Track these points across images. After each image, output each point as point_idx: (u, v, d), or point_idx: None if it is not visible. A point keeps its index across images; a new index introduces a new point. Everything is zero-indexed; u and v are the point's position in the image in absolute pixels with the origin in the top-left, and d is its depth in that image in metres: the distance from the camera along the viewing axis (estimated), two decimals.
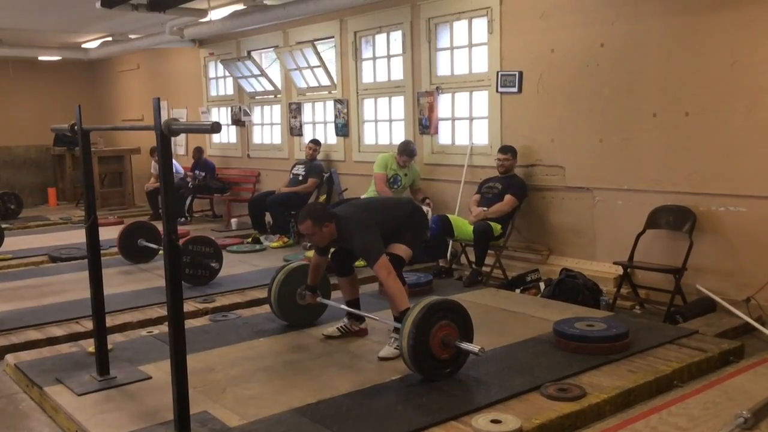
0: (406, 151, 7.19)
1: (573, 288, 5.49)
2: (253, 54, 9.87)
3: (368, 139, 8.43)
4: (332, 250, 4.62)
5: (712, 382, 3.77)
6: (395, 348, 4.15)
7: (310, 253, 6.76)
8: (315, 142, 8.61)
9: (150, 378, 3.95)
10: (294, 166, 8.73)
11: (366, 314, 4.56)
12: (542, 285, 5.91)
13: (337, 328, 4.67)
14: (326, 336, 4.64)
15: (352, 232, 4.28)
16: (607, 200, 6.05)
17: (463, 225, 6.43)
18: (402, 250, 4.44)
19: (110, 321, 4.64)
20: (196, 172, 10.34)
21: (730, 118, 5.20)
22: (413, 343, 3.68)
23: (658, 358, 4.05)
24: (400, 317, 3.98)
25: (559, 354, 4.15)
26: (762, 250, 5.10)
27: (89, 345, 4.37)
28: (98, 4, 6.83)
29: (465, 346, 3.78)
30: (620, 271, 5.67)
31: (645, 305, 5.58)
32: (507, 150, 6.43)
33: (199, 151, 10.43)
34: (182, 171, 10.58)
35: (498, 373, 3.88)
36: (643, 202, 5.72)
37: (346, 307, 4.62)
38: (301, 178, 8.42)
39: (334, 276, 4.79)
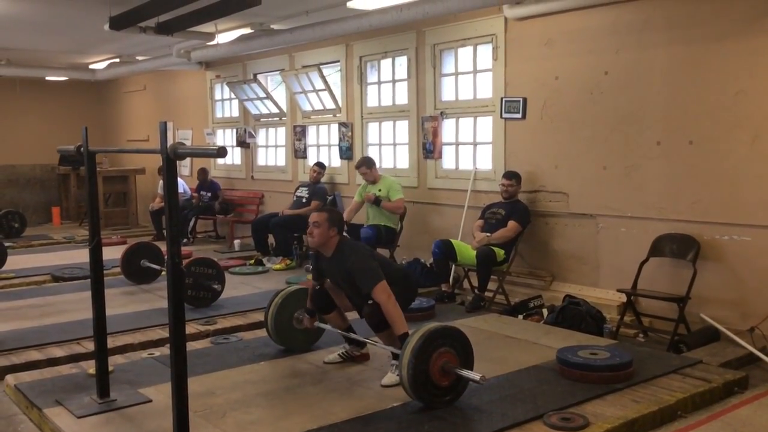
0: (360, 162, 7.51)
1: (576, 315, 5.47)
2: (259, 77, 9.94)
3: None
4: (315, 287, 4.59)
5: (716, 413, 3.75)
6: (397, 375, 4.11)
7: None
8: (319, 165, 8.63)
9: (150, 401, 3.93)
10: (298, 188, 8.75)
11: (365, 339, 4.49)
12: (545, 311, 5.88)
13: (338, 354, 4.64)
14: (327, 362, 4.60)
15: (355, 253, 4.28)
16: (611, 227, 6.04)
17: (465, 250, 6.43)
18: None
19: (111, 342, 4.62)
20: (202, 193, 10.37)
21: (734, 147, 5.21)
22: (413, 372, 3.66)
23: (661, 388, 4.02)
24: (399, 342, 3.96)
25: (562, 382, 4.12)
26: (766, 279, 5.08)
27: (90, 366, 4.35)
28: (106, 27, 6.89)
29: (465, 373, 3.75)
30: (624, 298, 5.65)
31: (648, 333, 5.55)
32: (512, 176, 6.44)
33: (204, 173, 10.47)
34: (189, 191, 10.61)
35: (500, 401, 3.86)
36: (646, 229, 5.71)
37: (343, 333, 4.59)
38: (304, 200, 8.43)
39: (318, 318, 4.71)
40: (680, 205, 5.54)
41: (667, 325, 5.36)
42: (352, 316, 4.73)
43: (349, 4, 6.46)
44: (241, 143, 10.51)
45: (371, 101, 8.38)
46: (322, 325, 4.77)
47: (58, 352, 4.93)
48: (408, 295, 4.52)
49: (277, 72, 9.62)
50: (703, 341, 5.02)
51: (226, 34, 8.09)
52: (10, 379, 4.39)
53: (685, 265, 5.41)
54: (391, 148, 8.28)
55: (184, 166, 11.69)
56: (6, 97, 13.01)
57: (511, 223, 6.28)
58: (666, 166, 5.62)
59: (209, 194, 10.32)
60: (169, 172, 3.04)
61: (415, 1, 6.13)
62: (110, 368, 4.10)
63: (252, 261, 8.39)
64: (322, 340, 5.02)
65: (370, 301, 4.16)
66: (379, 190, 7.31)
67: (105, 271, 4.08)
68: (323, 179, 8.65)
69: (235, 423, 3.64)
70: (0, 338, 5.13)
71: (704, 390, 4.01)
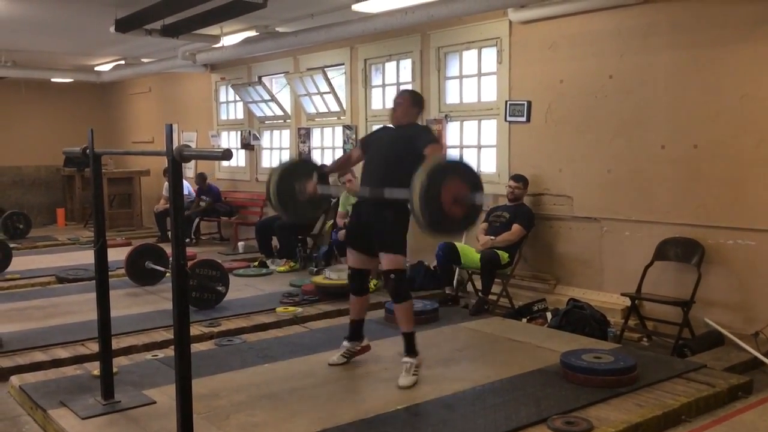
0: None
1: (580, 319, 5.46)
2: (264, 79, 9.96)
3: None
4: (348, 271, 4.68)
5: (720, 418, 3.74)
6: (413, 374, 4.22)
7: (317, 278, 6.79)
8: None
9: (154, 403, 3.93)
10: None
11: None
12: (549, 315, 5.88)
13: (341, 354, 4.66)
14: (331, 365, 4.62)
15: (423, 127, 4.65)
16: (615, 231, 6.04)
17: (469, 253, 6.43)
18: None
19: (116, 344, 4.62)
20: (202, 197, 10.36)
21: (739, 151, 5.20)
22: (429, 219, 3.72)
23: (666, 392, 4.01)
24: (405, 340, 4.28)
25: (566, 386, 4.12)
26: None
27: (94, 368, 4.36)
28: (112, 29, 6.91)
29: (477, 199, 3.86)
30: (628, 302, 5.64)
31: (653, 337, 5.54)
32: (519, 179, 6.44)
33: (202, 178, 10.42)
34: (193, 194, 10.62)
35: (503, 404, 3.85)
36: (651, 233, 5.71)
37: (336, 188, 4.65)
38: None
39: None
40: (685, 209, 5.54)
41: (672, 329, 5.35)
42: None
43: (354, 7, 6.47)
44: (246, 145, 10.52)
45: (375, 104, 8.39)
46: (325, 188, 4.77)
47: (62, 353, 4.94)
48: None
49: (282, 74, 9.64)
50: (708, 345, 5.01)
51: (232, 37, 8.11)
52: (14, 380, 4.40)
53: (689, 269, 5.40)
54: None
55: (189, 168, 11.70)
56: (11, 99, 13.04)
57: (516, 227, 6.28)
58: (670, 170, 5.61)
59: (207, 199, 10.29)
60: (174, 174, 3.05)
61: (420, 5, 6.14)
62: (114, 370, 4.11)
63: (256, 263, 8.40)
64: (326, 343, 5.03)
65: (392, 275, 4.29)
66: None
67: (109, 273, 4.09)
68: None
69: (239, 425, 3.64)
70: (5, 339, 5.14)
71: (708, 394, 4.00)
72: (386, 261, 4.35)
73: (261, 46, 8.04)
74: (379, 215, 4.33)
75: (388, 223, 4.33)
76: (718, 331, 5.15)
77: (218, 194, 10.44)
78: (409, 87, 7.84)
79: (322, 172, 4.76)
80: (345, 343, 4.68)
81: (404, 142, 4.43)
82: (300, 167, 4.85)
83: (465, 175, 3.93)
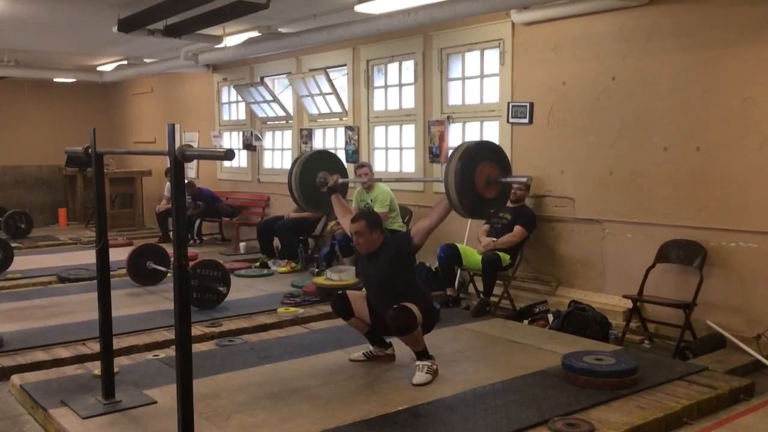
0: (364, 162, 7.75)
1: (582, 321, 5.46)
2: (266, 80, 9.96)
3: (378, 166, 8.46)
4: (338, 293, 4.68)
5: (722, 421, 3.74)
6: (426, 373, 4.25)
7: (318, 279, 6.79)
8: None
9: (155, 402, 3.94)
10: None
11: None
12: (550, 317, 5.87)
13: (363, 352, 4.70)
14: (352, 360, 4.67)
15: (399, 235, 4.61)
16: (617, 233, 6.03)
17: (471, 254, 6.42)
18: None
19: (117, 343, 4.62)
20: (197, 203, 10.30)
21: (741, 154, 5.20)
22: (461, 197, 3.87)
23: (667, 395, 4.01)
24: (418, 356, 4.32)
25: (568, 388, 4.11)
26: None
27: (95, 367, 4.36)
28: (115, 29, 6.92)
29: (511, 179, 4.08)
30: (629, 304, 5.64)
31: (654, 340, 5.53)
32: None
33: (191, 186, 10.13)
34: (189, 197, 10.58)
35: (505, 406, 3.85)
36: (653, 235, 5.70)
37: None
38: None
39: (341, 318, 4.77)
40: (687, 212, 5.53)
41: (673, 332, 5.34)
42: None
43: (357, 8, 6.47)
44: (248, 146, 10.53)
45: (378, 105, 8.39)
46: (346, 180, 4.98)
47: (63, 352, 4.95)
48: (431, 316, 4.51)
49: (284, 75, 9.64)
50: (709, 348, 5.00)
51: (234, 37, 8.12)
52: (15, 379, 4.41)
53: (691, 272, 5.39)
54: (397, 152, 8.28)
55: (191, 169, 11.71)
56: (14, 99, 13.06)
57: (517, 228, 6.28)
58: (673, 172, 5.60)
59: (201, 203, 10.24)
60: (176, 174, 3.05)
61: (423, 6, 6.14)
62: (115, 369, 4.11)
63: (257, 264, 8.40)
64: (327, 344, 5.03)
65: (395, 306, 4.22)
66: (372, 200, 7.27)
67: (111, 273, 4.09)
68: None
69: (240, 425, 3.64)
70: (6, 338, 5.15)
71: (710, 397, 4.00)
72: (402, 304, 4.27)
73: (263, 46, 8.05)
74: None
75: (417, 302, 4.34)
76: (720, 334, 5.14)
77: (211, 195, 10.40)
78: (410, 89, 7.85)
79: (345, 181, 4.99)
80: (370, 346, 4.72)
81: (389, 265, 4.40)
82: (325, 158, 5.10)
83: (493, 156, 4.04)
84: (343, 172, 5.12)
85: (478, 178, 3.93)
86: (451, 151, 4.16)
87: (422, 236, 4.36)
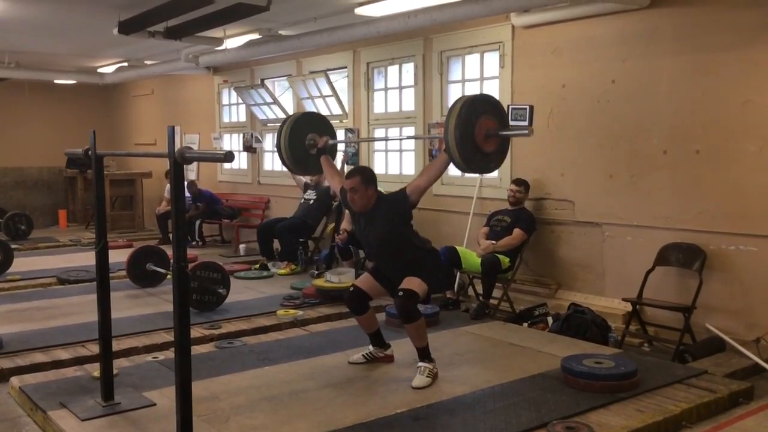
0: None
1: (581, 323, 5.46)
2: (267, 82, 9.97)
3: (378, 168, 8.46)
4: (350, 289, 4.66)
5: (721, 424, 3.74)
6: (427, 376, 4.24)
7: (318, 281, 6.79)
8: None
9: (154, 405, 3.93)
10: (306, 190, 8.75)
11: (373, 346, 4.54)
12: (550, 319, 5.87)
13: (363, 354, 4.70)
14: (351, 363, 4.67)
15: (392, 194, 4.51)
16: (617, 236, 6.03)
17: (470, 257, 6.42)
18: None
19: (116, 345, 4.63)
20: (197, 204, 10.33)
21: (741, 157, 5.20)
22: (461, 147, 3.89)
23: (666, 398, 4.01)
24: (420, 354, 4.31)
25: (567, 391, 4.11)
26: None
27: (94, 369, 4.36)
28: (115, 31, 6.93)
29: (511, 132, 4.12)
30: (629, 307, 5.64)
31: (654, 343, 5.53)
32: (521, 183, 6.44)
33: (193, 185, 10.27)
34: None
35: (504, 409, 3.85)
36: (652, 238, 5.70)
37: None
38: (312, 202, 8.45)
39: (352, 314, 4.83)
40: (686, 215, 5.53)
41: (673, 335, 5.34)
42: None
43: (357, 11, 6.48)
44: (248, 148, 10.52)
45: (378, 107, 8.39)
46: (335, 141, 4.96)
47: (63, 354, 4.94)
48: (441, 276, 4.59)
49: (285, 77, 9.65)
50: (709, 351, 5.00)
51: (235, 40, 8.13)
52: (14, 381, 4.40)
53: (691, 275, 5.39)
54: (397, 154, 8.29)
55: (190, 171, 11.72)
56: (15, 100, 13.06)
57: (517, 231, 6.28)
58: (672, 175, 5.61)
59: (200, 204, 10.26)
60: (176, 176, 3.05)
61: (423, 8, 6.15)
62: (115, 371, 4.11)
63: (257, 266, 8.40)
64: (326, 346, 5.03)
65: (400, 293, 4.25)
66: None
67: (110, 274, 4.09)
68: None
69: (239, 427, 3.64)
70: (5, 340, 5.14)
71: (709, 400, 4.00)
72: (405, 281, 4.32)
73: (264, 48, 8.06)
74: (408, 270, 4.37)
75: (420, 264, 4.39)
76: (720, 337, 5.14)
77: (211, 197, 10.41)
78: (410, 91, 7.86)
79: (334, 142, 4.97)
80: (370, 347, 4.72)
81: (387, 223, 4.38)
82: (314, 120, 5.09)
83: (492, 110, 4.06)
84: (333, 134, 5.08)
85: (478, 132, 3.93)
86: (450, 104, 4.14)
87: (418, 193, 4.34)
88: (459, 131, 3.88)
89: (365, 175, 4.40)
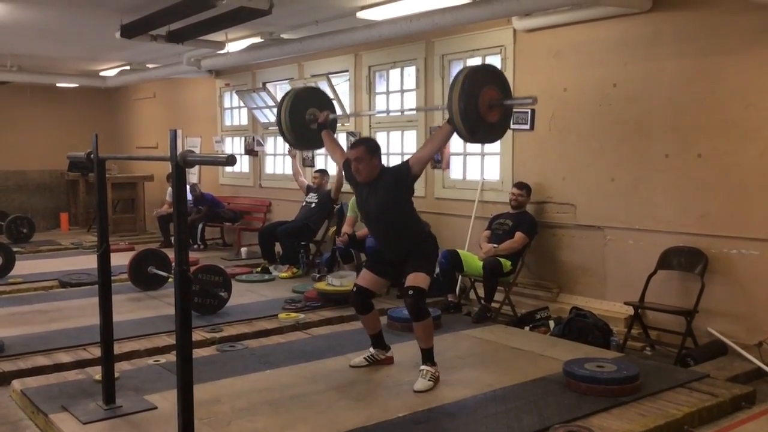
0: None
1: (583, 327, 5.45)
2: (268, 85, 9.99)
3: None
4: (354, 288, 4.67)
5: (723, 429, 3.73)
6: (429, 380, 4.25)
7: (320, 285, 6.79)
8: (321, 171, 8.67)
9: (156, 408, 3.93)
10: (308, 193, 8.75)
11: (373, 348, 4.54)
12: (552, 323, 5.86)
13: (364, 357, 4.71)
14: (352, 366, 4.67)
15: (396, 165, 4.56)
16: (618, 239, 6.03)
17: (472, 260, 6.42)
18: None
19: (118, 348, 4.63)
20: (199, 207, 10.34)
21: (742, 161, 5.20)
22: (465, 115, 3.92)
23: (668, 402, 4.00)
24: (424, 355, 4.33)
25: (569, 395, 4.11)
26: None
27: (96, 372, 4.36)
28: (118, 34, 6.94)
29: (515, 101, 4.17)
30: (631, 311, 5.63)
31: (656, 347, 5.53)
32: (522, 186, 6.44)
33: (195, 189, 10.26)
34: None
35: (506, 412, 3.84)
36: (654, 242, 5.70)
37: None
38: (313, 205, 8.45)
39: (356, 313, 4.82)
40: (688, 218, 5.53)
41: (675, 339, 5.33)
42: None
43: (359, 15, 6.48)
44: (250, 151, 10.54)
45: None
46: (336, 116, 4.98)
47: (64, 357, 4.95)
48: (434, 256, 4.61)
49: (286, 81, 9.66)
50: (711, 355, 4.99)
51: (236, 43, 8.13)
52: (16, 384, 4.40)
53: (693, 279, 5.39)
54: (399, 157, 8.28)
55: (192, 174, 11.73)
56: (17, 103, 13.09)
57: (518, 235, 6.27)
58: (674, 178, 5.61)
59: (202, 207, 10.26)
60: (178, 179, 3.05)
61: (425, 12, 6.15)
62: (116, 374, 4.11)
63: (259, 269, 8.40)
64: (328, 349, 5.02)
65: (410, 291, 4.26)
66: None
67: (112, 278, 4.09)
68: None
69: (240, 431, 3.64)
70: (7, 343, 5.14)
71: (711, 404, 3.99)
72: (412, 278, 4.33)
73: (266, 52, 8.06)
74: (410, 252, 4.40)
75: (421, 253, 4.42)
76: (722, 341, 5.14)
77: (213, 200, 10.42)
78: (412, 95, 7.87)
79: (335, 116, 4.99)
80: (371, 349, 4.73)
81: (388, 193, 4.39)
82: (314, 95, 5.11)
83: (495, 80, 4.08)
84: (333, 109, 5.09)
85: (482, 103, 3.94)
86: (452, 77, 4.13)
87: (421, 165, 4.37)
88: (463, 102, 3.89)
89: (370, 145, 4.44)
